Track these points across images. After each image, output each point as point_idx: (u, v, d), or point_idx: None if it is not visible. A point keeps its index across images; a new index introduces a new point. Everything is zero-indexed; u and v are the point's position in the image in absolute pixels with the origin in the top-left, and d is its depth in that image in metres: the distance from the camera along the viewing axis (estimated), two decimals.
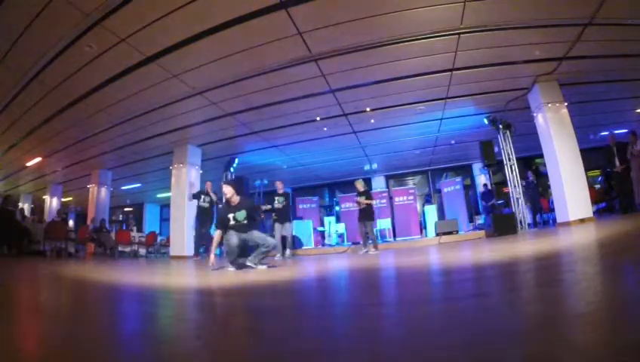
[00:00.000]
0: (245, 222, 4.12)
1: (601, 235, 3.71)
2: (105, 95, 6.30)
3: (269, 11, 4.46)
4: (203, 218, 7.62)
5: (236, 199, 4.25)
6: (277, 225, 6.80)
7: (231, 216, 4.10)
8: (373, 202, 6.99)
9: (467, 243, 6.30)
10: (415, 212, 10.97)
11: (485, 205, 10.70)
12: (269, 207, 7.23)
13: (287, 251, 6.83)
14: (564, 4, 4.73)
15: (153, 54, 5.24)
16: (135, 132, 8.06)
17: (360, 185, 6.89)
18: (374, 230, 6.96)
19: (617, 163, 7.08)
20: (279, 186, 7.09)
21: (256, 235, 4.13)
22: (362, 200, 6.67)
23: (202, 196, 7.57)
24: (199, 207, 7.53)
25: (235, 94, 6.62)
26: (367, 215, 6.66)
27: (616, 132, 9.40)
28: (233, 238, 4.00)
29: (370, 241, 6.64)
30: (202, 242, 7.75)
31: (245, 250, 4.16)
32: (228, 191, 4.26)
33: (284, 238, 6.92)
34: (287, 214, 6.92)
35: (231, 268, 3.98)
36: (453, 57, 5.90)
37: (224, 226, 4.14)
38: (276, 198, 6.85)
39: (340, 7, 4.52)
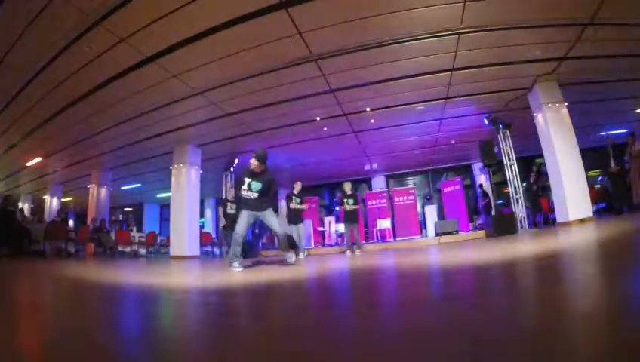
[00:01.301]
0: (257, 196, 3.94)
1: (601, 235, 3.71)
2: (105, 95, 6.31)
3: (269, 11, 4.46)
4: (232, 225, 7.56)
5: (259, 169, 4.03)
6: (292, 226, 6.59)
7: (247, 180, 3.95)
8: (360, 206, 6.98)
9: (467, 243, 6.30)
10: (415, 212, 10.97)
11: (482, 205, 10.73)
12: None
13: (304, 252, 6.58)
14: (564, 4, 4.73)
15: (153, 54, 5.24)
16: (135, 132, 8.06)
17: (348, 187, 6.86)
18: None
19: (613, 164, 7.13)
20: (297, 187, 6.85)
21: (271, 220, 4.00)
22: (350, 203, 6.67)
23: (229, 204, 7.40)
24: (229, 215, 7.37)
25: (235, 94, 6.62)
26: (354, 217, 6.69)
27: (616, 132, 9.44)
28: (242, 222, 3.90)
29: (354, 243, 6.67)
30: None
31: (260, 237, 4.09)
32: (254, 164, 4.00)
33: (292, 238, 6.81)
34: (302, 215, 6.78)
35: (236, 268, 3.69)
36: (453, 57, 5.90)
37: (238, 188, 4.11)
38: (294, 198, 6.64)
39: (340, 7, 4.52)
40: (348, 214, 6.73)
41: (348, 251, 6.63)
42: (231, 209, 7.22)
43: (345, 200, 6.75)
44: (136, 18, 4.46)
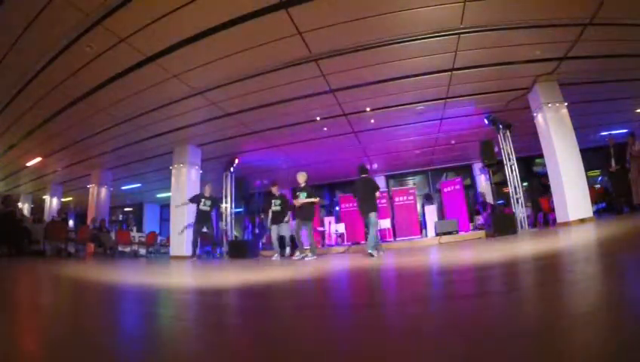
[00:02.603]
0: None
1: (601, 235, 3.71)
2: (105, 95, 6.31)
3: (269, 11, 4.46)
4: (204, 220, 7.68)
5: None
6: (273, 226, 6.82)
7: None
8: (316, 200, 6.10)
9: (467, 243, 6.30)
10: (415, 212, 10.95)
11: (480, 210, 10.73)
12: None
13: (287, 250, 6.89)
14: (564, 4, 4.73)
15: (153, 54, 5.24)
16: (135, 132, 8.06)
17: (302, 179, 6.11)
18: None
19: (613, 163, 7.13)
20: (274, 189, 7.06)
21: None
22: (302, 198, 5.87)
23: (202, 200, 7.54)
24: (200, 211, 7.51)
25: (235, 94, 6.61)
26: (308, 213, 5.88)
27: (615, 132, 9.44)
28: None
29: (307, 246, 5.92)
30: (205, 241, 7.85)
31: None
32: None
33: (282, 238, 6.92)
34: (283, 216, 6.92)
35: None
36: (453, 57, 5.90)
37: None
38: (273, 201, 6.84)
39: (339, 7, 4.52)
40: (298, 210, 5.91)
41: (298, 254, 5.92)
42: (204, 205, 7.41)
43: (297, 193, 5.95)
44: (136, 18, 4.46)
